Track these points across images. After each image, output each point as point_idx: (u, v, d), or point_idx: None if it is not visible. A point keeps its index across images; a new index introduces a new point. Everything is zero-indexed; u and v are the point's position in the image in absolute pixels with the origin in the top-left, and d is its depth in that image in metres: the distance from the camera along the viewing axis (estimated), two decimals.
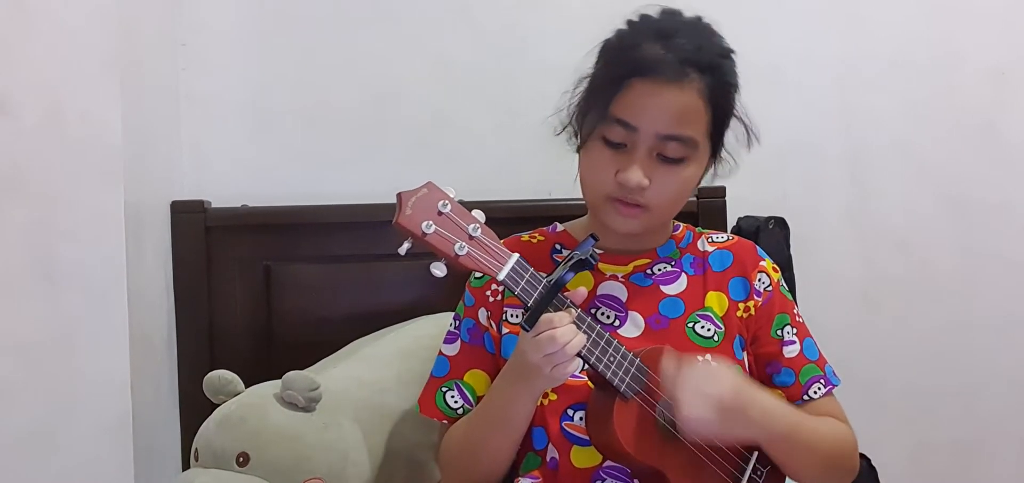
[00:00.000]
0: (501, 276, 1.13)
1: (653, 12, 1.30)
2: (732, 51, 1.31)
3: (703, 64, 1.25)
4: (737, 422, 1.21)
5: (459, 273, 1.14)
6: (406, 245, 1.11)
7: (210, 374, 1.48)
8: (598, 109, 1.27)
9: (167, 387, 1.79)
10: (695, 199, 1.89)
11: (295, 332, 1.84)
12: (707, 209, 1.89)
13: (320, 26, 1.94)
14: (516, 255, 1.14)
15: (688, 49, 1.25)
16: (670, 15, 1.29)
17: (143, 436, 1.64)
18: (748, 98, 1.99)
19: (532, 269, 1.15)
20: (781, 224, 1.95)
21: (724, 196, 1.90)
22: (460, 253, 1.10)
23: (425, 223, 1.09)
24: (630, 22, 1.30)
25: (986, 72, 2.06)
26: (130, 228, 1.61)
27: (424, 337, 1.63)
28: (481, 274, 1.17)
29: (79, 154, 1.57)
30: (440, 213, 1.11)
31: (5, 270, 1.56)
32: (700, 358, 1.27)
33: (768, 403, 1.26)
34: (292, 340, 1.83)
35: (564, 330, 1.13)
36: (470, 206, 1.13)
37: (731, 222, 1.94)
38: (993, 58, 2.05)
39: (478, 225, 1.12)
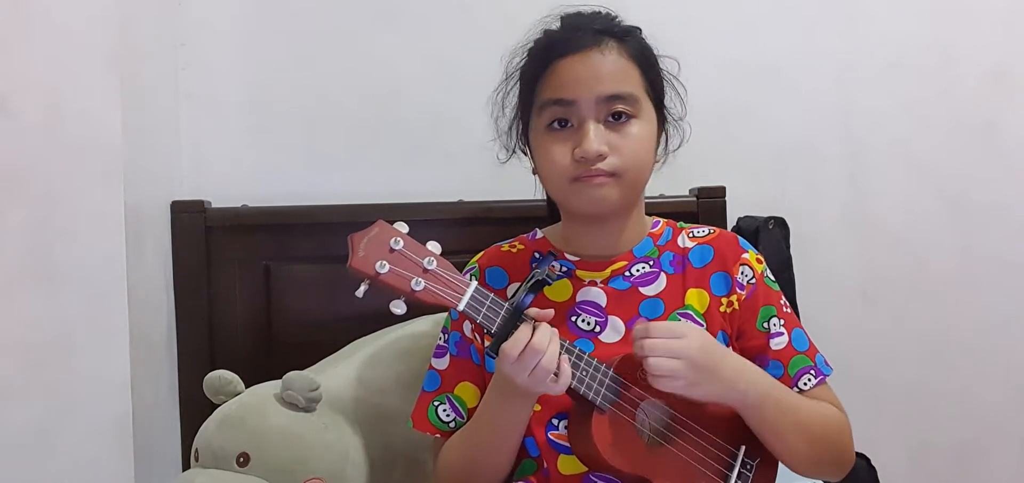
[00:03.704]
0: (461, 307, 1.12)
1: (554, 23, 1.35)
2: (639, 28, 1.34)
3: (615, 32, 1.30)
4: (707, 378, 1.20)
5: (419, 308, 1.13)
6: (363, 287, 1.10)
7: (210, 374, 1.48)
8: (530, 104, 1.30)
9: (167, 387, 1.79)
10: (695, 199, 1.90)
11: (295, 332, 1.84)
12: (707, 209, 1.89)
13: (320, 26, 1.94)
14: (474, 284, 1.14)
15: (597, 24, 1.30)
16: (571, 14, 1.34)
17: (143, 436, 1.64)
18: (748, 98, 2.01)
19: (492, 296, 1.14)
20: (781, 224, 1.95)
21: (724, 196, 1.90)
22: (417, 289, 1.10)
23: (379, 263, 1.09)
24: (536, 39, 1.35)
25: (985, 72, 2.06)
26: (130, 228, 1.61)
27: (424, 337, 1.63)
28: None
29: (79, 154, 1.57)
30: (392, 250, 1.10)
31: (5, 270, 1.56)
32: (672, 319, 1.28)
33: (741, 365, 1.25)
34: (292, 340, 1.83)
35: (538, 338, 1.13)
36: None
37: (731, 222, 1.94)
38: (993, 58, 2.06)
39: (433, 258, 1.12)
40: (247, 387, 1.49)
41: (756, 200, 1.97)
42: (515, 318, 1.14)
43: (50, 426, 1.58)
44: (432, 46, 1.96)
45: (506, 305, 1.15)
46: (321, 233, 1.85)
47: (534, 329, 1.14)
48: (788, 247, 1.95)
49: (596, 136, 1.24)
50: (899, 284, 2.07)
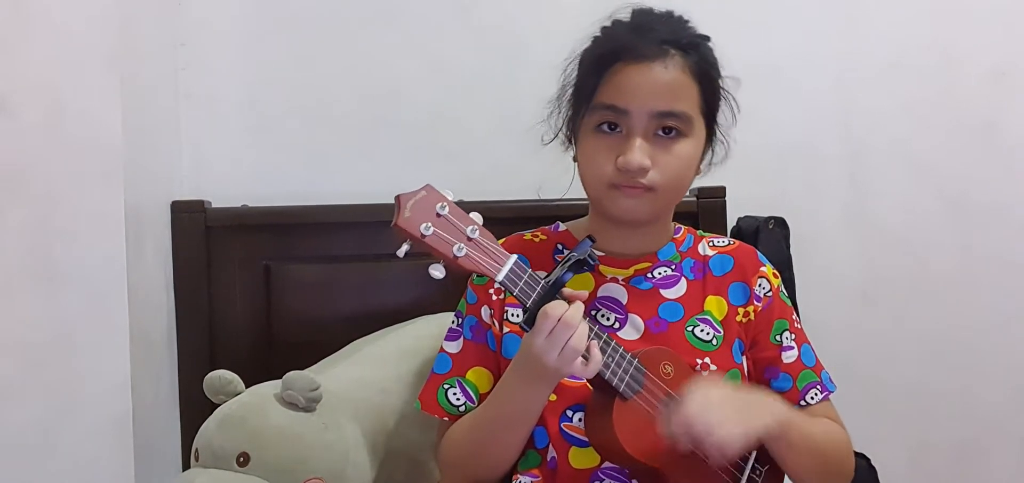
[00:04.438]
0: (500, 277, 1.13)
1: (624, 15, 1.32)
2: (708, 37, 1.33)
3: (683, 43, 1.28)
4: (752, 412, 1.21)
5: (458, 274, 1.14)
6: (405, 247, 1.10)
7: (210, 374, 1.48)
8: (587, 101, 1.29)
9: (167, 387, 1.79)
10: (695, 199, 1.90)
11: (295, 332, 1.84)
12: (707, 209, 1.89)
13: (320, 26, 1.94)
14: (515, 256, 1.14)
15: (665, 32, 1.28)
16: (642, 12, 1.32)
17: (143, 436, 1.64)
18: (748, 99, 2.00)
19: (530, 270, 1.15)
20: (781, 224, 1.95)
21: (724, 196, 1.90)
22: (458, 255, 1.10)
23: (424, 225, 1.09)
24: (604, 28, 1.33)
25: (986, 73, 2.06)
26: (130, 228, 1.61)
27: (424, 337, 1.64)
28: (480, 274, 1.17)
29: (79, 154, 1.57)
30: (438, 215, 1.10)
31: (5, 270, 1.56)
32: (697, 367, 1.29)
33: (765, 395, 1.28)
34: (292, 340, 1.83)
35: (571, 314, 1.13)
36: (470, 207, 1.14)
37: (731, 222, 1.94)
38: (993, 59, 2.05)
39: (476, 227, 1.12)
40: (247, 387, 1.49)
41: (756, 200, 1.97)
42: (552, 294, 1.14)
43: (50, 426, 1.58)
44: (432, 46, 1.96)
45: (543, 280, 1.15)
46: (321, 233, 1.85)
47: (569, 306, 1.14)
48: (788, 247, 1.95)
49: (641, 150, 1.25)
50: (899, 284, 2.07)
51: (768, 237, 1.91)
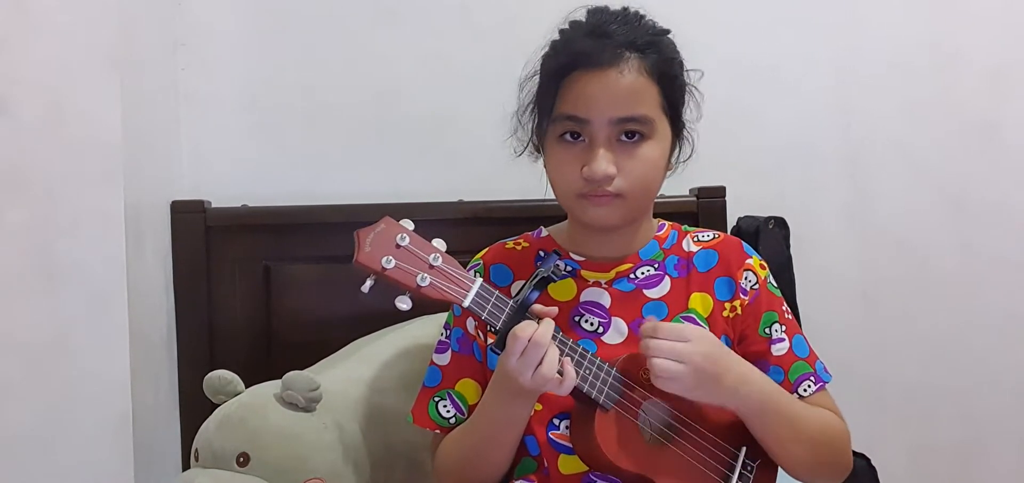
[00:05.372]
0: (466, 302, 1.12)
1: (580, 15, 1.32)
2: (667, 31, 1.32)
3: (639, 44, 1.27)
4: (709, 384, 1.20)
5: (424, 304, 1.13)
6: (369, 283, 1.10)
7: (210, 374, 1.48)
8: (546, 111, 1.29)
9: (167, 387, 1.79)
10: (695, 200, 1.90)
11: (295, 332, 1.84)
12: (707, 209, 1.89)
13: (320, 26, 1.94)
14: (480, 280, 1.13)
15: (621, 35, 1.26)
16: (598, 11, 1.31)
17: (143, 436, 1.64)
18: (748, 99, 2.01)
19: (497, 292, 1.14)
20: (781, 224, 1.95)
21: (724, 196, 1.90)
22: (422, 284, 1.10)
23: (385, 259, 1.09)
24: (561, 30, 1.33)
25: (985, 72, 2.06)
26: (130, 228, 1.61)
27: (424, 337, 1.63)
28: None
29: (79, 154, 1.57)
30: (399, 246, 1.10)
31: (5, 270, 1.56)
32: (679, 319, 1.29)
33: (745, 372, 1.25)
34: (292, 340, 1.83)
35: (540, 333, 1.13)
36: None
37: (731, 222, 1.94)
38: (992, 58, 2.05)
39: (439, 254, 1.12)
40: (247, 387, 1.49)
41: (756, 200, 1.97)
42: (520, 314, 1.14)
43: (50, 426, 1.58)
44: (432, 46, 1.96)
45: (511, 301, 1.15)
46: (321, 233, 1.85)
47: (538, 325, 1.14)
48: (788, 247, 1.95)
49: (605, 159, 1.24)
50: (899, 284, 2.07)
51: (768, 237, 1.91)
